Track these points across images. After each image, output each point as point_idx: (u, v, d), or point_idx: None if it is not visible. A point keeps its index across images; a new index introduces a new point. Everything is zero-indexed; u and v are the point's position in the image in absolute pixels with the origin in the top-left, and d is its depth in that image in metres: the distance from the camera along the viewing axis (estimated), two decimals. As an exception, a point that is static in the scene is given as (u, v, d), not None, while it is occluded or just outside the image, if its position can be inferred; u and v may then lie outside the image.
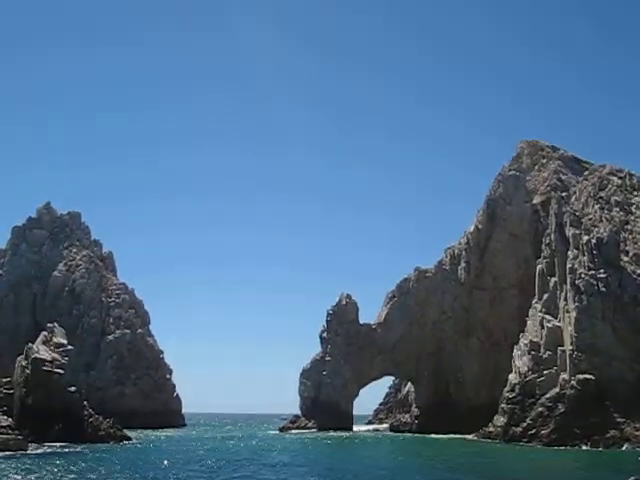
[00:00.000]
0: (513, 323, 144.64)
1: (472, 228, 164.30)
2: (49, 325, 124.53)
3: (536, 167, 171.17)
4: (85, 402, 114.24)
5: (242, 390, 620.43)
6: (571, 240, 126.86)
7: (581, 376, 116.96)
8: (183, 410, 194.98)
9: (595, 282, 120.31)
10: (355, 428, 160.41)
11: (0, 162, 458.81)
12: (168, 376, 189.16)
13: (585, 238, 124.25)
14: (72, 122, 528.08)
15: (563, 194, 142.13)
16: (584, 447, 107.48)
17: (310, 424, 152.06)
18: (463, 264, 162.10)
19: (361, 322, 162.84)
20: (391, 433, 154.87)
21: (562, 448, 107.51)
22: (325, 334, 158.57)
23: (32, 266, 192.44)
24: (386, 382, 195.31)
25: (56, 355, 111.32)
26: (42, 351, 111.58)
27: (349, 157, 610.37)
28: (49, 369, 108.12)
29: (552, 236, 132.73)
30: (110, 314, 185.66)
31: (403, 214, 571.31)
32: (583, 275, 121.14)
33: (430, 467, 73.94)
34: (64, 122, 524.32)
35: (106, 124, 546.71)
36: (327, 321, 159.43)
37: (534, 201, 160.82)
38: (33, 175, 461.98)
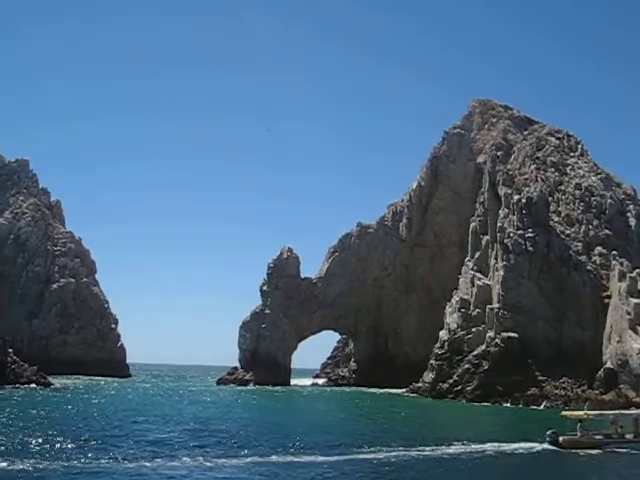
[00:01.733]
0: (453, 281, 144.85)
1: (415, 185, 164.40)
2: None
3: (486, 126, 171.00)
4: (10, 349, 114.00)
5: (192, 342, 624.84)
6: (503, 199, 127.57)
7: (505, 334, 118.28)
8: (130, 360, 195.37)
9: (523, 241, 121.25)
10: (297, 382, 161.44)
11: None
12: (113, 326, 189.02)
13: (516, 197, 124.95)
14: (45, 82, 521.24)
15: (499, 153, 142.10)
16: (505, 404, 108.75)
17: (248, 376, 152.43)
18: (405, 221, 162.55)
19: (303, 276, 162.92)
20: (326, 387, 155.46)
21: (484, 404, 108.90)
22: (265, 287, 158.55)
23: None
24: (337, 336, 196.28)
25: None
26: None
27: (286, 110, 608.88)
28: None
29: (485, 195, 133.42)
30: (55, 263, 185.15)
31: (349, 168, 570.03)
32: (512, 234, 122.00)
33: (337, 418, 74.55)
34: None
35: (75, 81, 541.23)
36: (268, 274, 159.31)
37: (478, 160, 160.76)
38: None
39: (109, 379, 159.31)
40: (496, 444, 51.30)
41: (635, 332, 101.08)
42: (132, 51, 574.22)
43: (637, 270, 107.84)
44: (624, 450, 52.11)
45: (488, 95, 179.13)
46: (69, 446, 44.62)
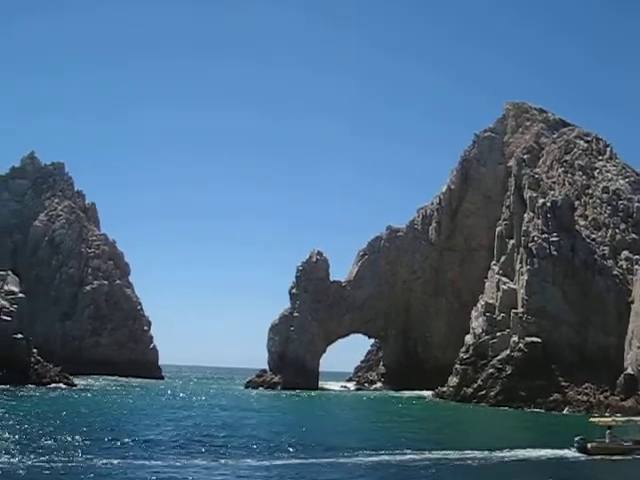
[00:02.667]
0: (482, 284, 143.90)
1: (445, 188, 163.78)
2: (1, 273, 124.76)
3: (520, 129, 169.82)
4: (35, 349, 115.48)
5: (227, 344, 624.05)
6: (528, 203, 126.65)
7: (529, 339, 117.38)
8: (162, 362, 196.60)
9: (547, 245, 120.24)
10: (327, 385, 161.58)
11: None
12: (146, 328, 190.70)
13: (540, 201, 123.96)
14: (63, 73, 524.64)
15: (525, 156, 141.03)
16: (527, 409, 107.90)
17: (276, 379, 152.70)
18: (434, 224, 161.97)
19: (332, 279, 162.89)
20: (356, 392, 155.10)
21: (504, 409, 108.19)
22: (294, 290, 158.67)
23: (13, 215, 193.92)
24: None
25: (5, 303, 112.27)
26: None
27: (317, 112, 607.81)
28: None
29: (511, 198, 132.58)
30: (89, 265, 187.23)
31: (380, 171, 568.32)
32: (536, 238, 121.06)
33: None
34: (58, 74, 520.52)
35: (96, 76, 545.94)
36: (296, 277, 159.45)
37: (509, 163, 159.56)
38: (18, 125, 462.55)
39: (139, 380, 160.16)
40: (523, 450, 50.96)
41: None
42: (156, 43, 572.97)
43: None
44: None
45: (523, 98, 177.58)
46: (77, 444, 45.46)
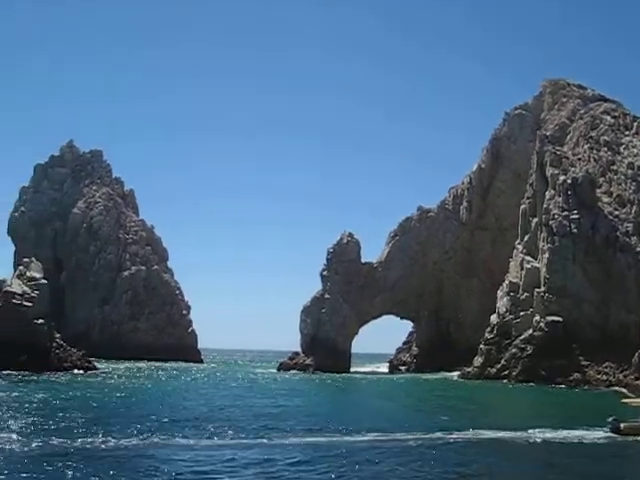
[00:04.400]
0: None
1: (475, 167, 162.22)
2: (25, 260, 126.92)
3: (556, 106, 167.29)
4: (58, 334, 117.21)
5: (266, 327, 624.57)
6: (549, 180, 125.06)
7: (549, 318, 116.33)
8: (200, 346, 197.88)
9: (567, 223, 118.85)
10: (360, 368, 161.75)
11: (23, 100, 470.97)
12: (185, 312, 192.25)
13: (561, 178, 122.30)
14: (96, 58, 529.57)
15: (548, 133, 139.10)
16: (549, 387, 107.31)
17: (308, 361, 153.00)
18: (465, 204, 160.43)
19: (363, 261, 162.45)
20: (382, 375, 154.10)
21: (532, 385, 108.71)
22: (325, 272, 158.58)
23: (53, 203, 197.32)
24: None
25: (27, 289, 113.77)
26: (14, 285, 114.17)
27: (350, 95, 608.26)
28: (18, 302, 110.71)
29: (533, 176, 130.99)
30: (127, 250, 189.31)
31: (410, 152, 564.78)
32: (556, 216, 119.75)
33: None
34: (88, 59, 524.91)
35: (129, 60, 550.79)
36: (327, 259, 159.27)
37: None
38: (56, 113, 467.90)
39: (175, 364, 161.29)
40: (555, 431, 50.35)
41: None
42: (192, 26, 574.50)
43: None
44: None
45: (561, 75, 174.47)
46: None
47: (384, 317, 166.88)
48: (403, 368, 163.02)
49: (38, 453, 36.04)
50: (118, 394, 74.61)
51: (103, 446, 38.82)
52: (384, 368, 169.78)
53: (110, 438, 41.10)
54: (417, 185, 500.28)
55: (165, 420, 50.79)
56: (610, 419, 51.06)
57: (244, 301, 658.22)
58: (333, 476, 32.91)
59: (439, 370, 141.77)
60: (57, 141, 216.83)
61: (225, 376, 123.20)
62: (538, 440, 46.37)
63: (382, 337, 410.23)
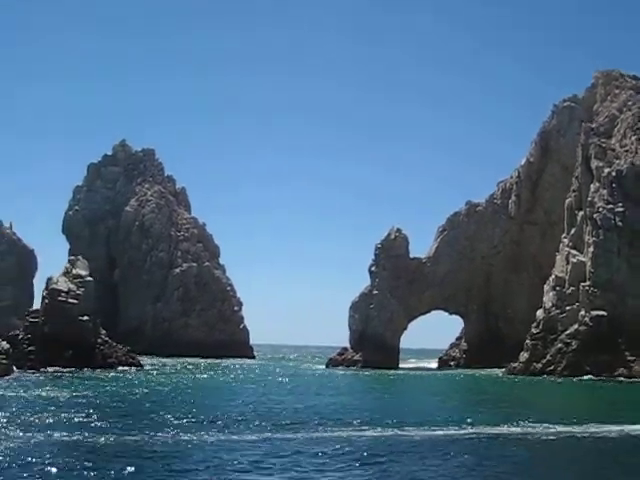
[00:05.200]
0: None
1: (524, 161, 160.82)
2: (71, 258, 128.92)
3: (609, 98, 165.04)
4: (104, 331, 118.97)
5: (316, 322, 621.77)
6: (594, 173, 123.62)
7: (594, 312, 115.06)
8: (252, 341, 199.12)
9: (612, 216, 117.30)
10: (408, 364, 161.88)
11: (76, 100, 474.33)
12: (236, 308, 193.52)
13: (606, 171, 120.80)
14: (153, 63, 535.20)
15: (593, 125, 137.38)
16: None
17: (357, 357, 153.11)
18: (514, 198, 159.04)
19: (412, 256, 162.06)
20: (429, 371, 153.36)
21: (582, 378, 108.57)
22: (373, 268, 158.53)
23: (106, 202, 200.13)
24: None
25: (72, 286, 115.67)
26: (61, 282, 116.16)
27: (399, 91, 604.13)
28: (64, 299, 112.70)
29: (579, 169, 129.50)
30: (178, 248, 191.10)
31: (458, 148, 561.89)
32: (601, 209, 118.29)
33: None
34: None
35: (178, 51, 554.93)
36: (375, 255, 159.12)
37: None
38: (110, 112, 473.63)
39: (226, 361, 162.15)
40: (611, 425, 49.65)
41: None
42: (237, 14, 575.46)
43: None
44: None
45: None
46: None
47: (434, 312, 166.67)
48: (452, 364, 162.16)
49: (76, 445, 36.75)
50: (161, 388, 75.81)
51: (145, 441, 39.00)
52: (434, 364, 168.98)
53: (158, 433, 41.53)
54: (465, 181, 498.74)
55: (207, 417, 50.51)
56: None
57: (295, 295, 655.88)
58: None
59: (489, 366, 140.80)
60: (110, 140, 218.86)
61: (274, 373, 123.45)
62: (591, 435, 45.57)
63: (434, 332, 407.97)
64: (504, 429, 47.52)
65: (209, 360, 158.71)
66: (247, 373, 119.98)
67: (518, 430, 47.25)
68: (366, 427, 47.11)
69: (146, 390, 73.42)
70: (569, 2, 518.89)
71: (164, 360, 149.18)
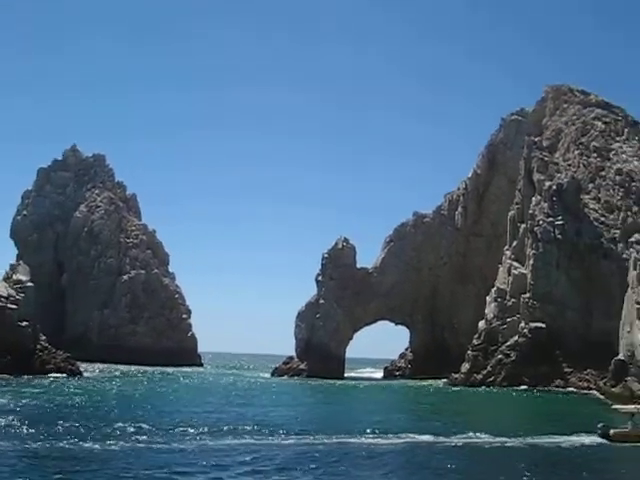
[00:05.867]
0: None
1: (471, 173, 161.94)
2: (11, 263, 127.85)
3: (558, 112, 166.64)
4: (43, 337, 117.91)
5: (265, 330, 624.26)
6: (536, 186, 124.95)
7: (533, 324, 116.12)
8: (204, 349, 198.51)
9: (552, 229, 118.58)
10: (354, 373, 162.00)
11: (25, 103, 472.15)
12: (185, 316, 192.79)
13: (547, 184, 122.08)
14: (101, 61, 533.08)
15: (537, 139, 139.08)
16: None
17: (302, 366, 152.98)
18: (460, 209, 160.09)
19: (359, 266, 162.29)
20: (374, 381, 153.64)
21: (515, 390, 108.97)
22: (320, 277, 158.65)
23: (55, 207, 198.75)
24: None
25: (12, 292, 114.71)
26: (0, 288, 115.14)
27: (351, 98, 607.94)
28: (3, 304, 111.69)
29: (522, 182, 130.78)
30: (127, 254, 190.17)
31: (410, 155, 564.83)
32: (541, 222, 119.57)
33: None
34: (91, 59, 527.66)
35: (136, 62, 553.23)
36: (322, 264, 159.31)
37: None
38: (60, 117, 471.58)
39: (170, 368, 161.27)
40: (546, 437, 50.89)
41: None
42: (191, 26, 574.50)
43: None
44: None
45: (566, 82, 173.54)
46: None
47: (386, 323, 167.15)
48: (398, 374, 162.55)
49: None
50: (95, 397, 75.23)
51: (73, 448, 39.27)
52: (380, 373, 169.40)
53: (79, 441, 41.54)
54: (416, 191, 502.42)
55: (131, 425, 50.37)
56: (600, 425, 51.49)
57: (244, 304, 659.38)
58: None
59: (434, 376, 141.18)
60: (61, 145, 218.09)
61: (215, 381, 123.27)
62: (528, 446, 46.76)
63: (386, 342, 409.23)
64: (432, 439, 48.17)
65: (154, 368, 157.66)
66: (187, 381, 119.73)
67: (442, 439, 47.98)
68: (296, 436, 47.81)
69: (61, 398, 72.79)
70: (524, 17, 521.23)
71: (109, 367, 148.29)
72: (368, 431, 50.60)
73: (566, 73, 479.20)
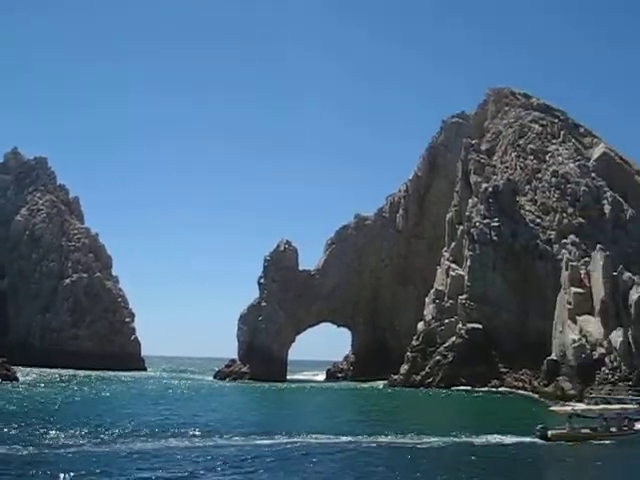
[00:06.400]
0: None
1: (412, 175, 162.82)
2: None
3: (499, 115, 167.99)
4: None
5: (212, 334, 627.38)
6: (473, 188, 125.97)
7: (470, 325, 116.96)
8: (147, 353, 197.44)
9: (488, 231, 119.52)
10: (297, 376, 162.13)
11: None
12: (128, 319, 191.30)
13: (483, 186, 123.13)
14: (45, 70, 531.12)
15: (474, 142, 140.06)
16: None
17: (245, 369, 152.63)
18: (402, 212, 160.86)
19: (301, 269, 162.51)
20: (316, 383, 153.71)
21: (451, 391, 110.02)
22: (262, 280, 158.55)
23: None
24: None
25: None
26: None
27: (290, 96, 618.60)
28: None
29: (459, 184, 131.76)
30: (69, 258, 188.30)
31: (350, 159, 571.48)
32: (477, 224, 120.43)
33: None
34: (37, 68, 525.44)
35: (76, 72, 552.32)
36: (264, 267, 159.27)
37: (481, 148, 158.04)
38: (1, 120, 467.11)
39: (113, 373, 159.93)
40: (487, 436, 51.55)
41: (574, 322, 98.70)
42: (133, 34, 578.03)
43: (585, 259, 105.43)
44: (609, 442, 52.86)
45: (513, 83, 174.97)
46: None
47: (329, 325, 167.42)
48: (340, 376, 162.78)
49: None
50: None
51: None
52: (322, 376, 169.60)
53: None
54: (358, 193, 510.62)
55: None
56: (538, 427, 52.53)
57: (191, 309, 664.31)
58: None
59: (376, 378, 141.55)
60: (1, 148, 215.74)
61: (153, 384, 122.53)
62: (463, 446, 47.42)
63: (332, 344, 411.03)
64: (360, 439, 48.52)
65: (95, 372, 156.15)
66: (118, 386, 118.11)
67: (369, 440, 48.35)
68: (236, 437, 48.26)
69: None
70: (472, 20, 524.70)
71: (47, 371, 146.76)
72: (297, 433, 50.76)
73: (516, 75, 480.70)
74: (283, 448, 44.01)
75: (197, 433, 50.31)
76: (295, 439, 47.52)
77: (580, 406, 63.76)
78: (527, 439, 51.30)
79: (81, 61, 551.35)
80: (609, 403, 67.69)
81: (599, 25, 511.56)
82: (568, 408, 60.08)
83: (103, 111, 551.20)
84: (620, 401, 70.95)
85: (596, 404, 67.05)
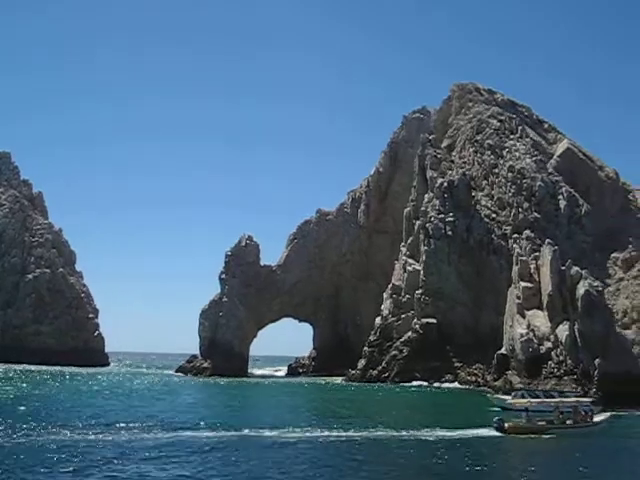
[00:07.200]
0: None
1: (373, 171, 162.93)
2: None
3: (463, 110, 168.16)
4: None
5: (178, 329, 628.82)
6: (429, 183, 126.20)
7: (425, 320, 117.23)
8: (112, 349, 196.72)
9: (443, 225, 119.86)
10: (259, 371, 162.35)
11: None
12: (91, 315, 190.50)
13: (439, 181, 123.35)
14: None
15: (431, 137, 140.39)
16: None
17: (206, 364, 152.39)
18: (363, 207, 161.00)
19: (263, 264, 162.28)
20: (277, 379, 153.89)
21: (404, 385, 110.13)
22: (224, 275, 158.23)
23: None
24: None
25: None
26: None
27: (249, 89, 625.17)
28: None
29: (417, 179, 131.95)
30: (32, 253, 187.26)
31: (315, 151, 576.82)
32: (433, 218, 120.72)
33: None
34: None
35: (47, 63, 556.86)
36: (226, 262, 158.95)
37: (443, 145, 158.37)
38: None
39: (75, 369, 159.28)
40: (444, 430, 51.82)
41: (523, 317, 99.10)
42: (103, 35, 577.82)
43: (535, 254, 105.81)
44: (564, 435, 53.79)
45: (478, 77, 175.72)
46: None
47: (291, 320, 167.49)
48: (302, 371, 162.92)
49: None
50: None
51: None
52: (284, 371, 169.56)
53: None
54: (320, 188, 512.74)
55: None
56: (496, 419, 53.34)
57: (158, 305, 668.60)
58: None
59: (337, 373, 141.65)
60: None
61: (113, 380, 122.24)
62: (425, 439, 47.73)
63: (295, 339, 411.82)
64: (310, 434, 48.75)
65: (56, 368, 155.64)
66: (74, 381, 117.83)
67: (317, 434, 48.64)
68: (165, 431, 48.12)
69: None
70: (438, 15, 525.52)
71: (6, 367, 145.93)
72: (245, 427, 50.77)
73: (494, 71, 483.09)
74: (220, 441, 44.12)
75: (123, 426, 50.01)
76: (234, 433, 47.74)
77: (535, 400, 64.32)
78: (484, 431, 52.10)
79: (47, 57, 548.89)
80: (536, 397, 68.46)
81: (599, 25, 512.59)
82: (524, 400, 61.41)
83: (72, 109, 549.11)
84: (546, 394, 71.80)
85: (522, 397, 68.00)
